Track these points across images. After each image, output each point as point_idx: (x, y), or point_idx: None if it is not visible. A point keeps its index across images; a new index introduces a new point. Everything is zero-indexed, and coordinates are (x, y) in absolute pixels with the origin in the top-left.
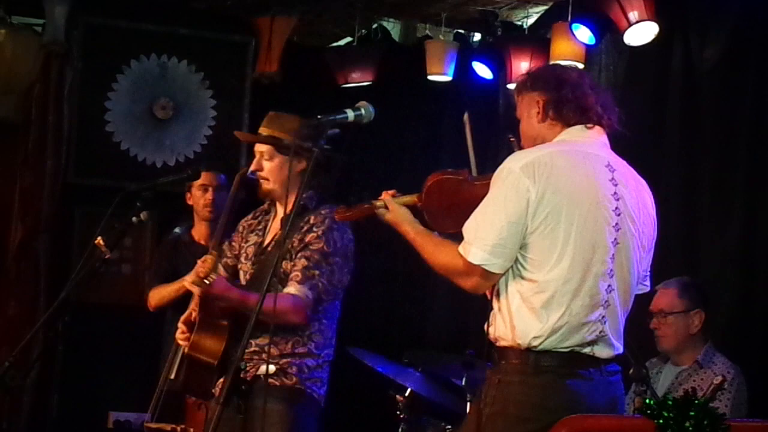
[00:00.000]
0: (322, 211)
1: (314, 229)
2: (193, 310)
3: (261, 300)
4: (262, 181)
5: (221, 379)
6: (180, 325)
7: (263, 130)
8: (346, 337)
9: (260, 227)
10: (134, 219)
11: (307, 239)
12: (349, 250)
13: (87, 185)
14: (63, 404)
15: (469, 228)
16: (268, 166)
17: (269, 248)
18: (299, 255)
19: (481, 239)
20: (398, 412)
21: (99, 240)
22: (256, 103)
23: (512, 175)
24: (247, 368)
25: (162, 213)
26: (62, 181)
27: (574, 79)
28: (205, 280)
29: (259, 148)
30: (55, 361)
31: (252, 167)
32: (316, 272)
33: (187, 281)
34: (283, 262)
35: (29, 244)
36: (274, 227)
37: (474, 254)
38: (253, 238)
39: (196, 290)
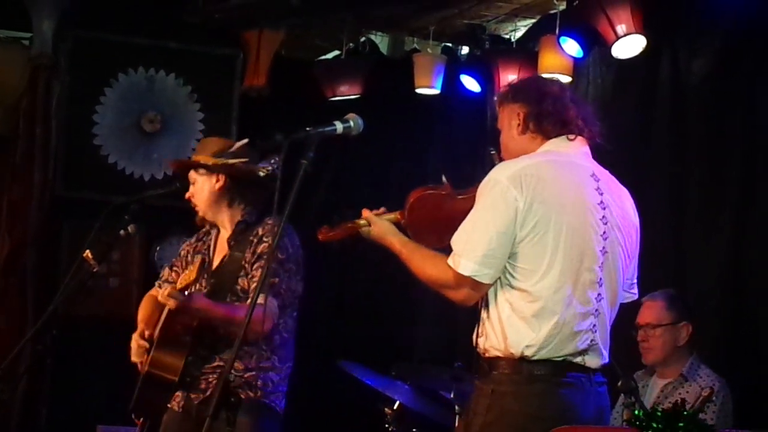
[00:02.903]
0: (269, 221)
1: (264, 239)
2: (143, 327)
3: (250, 311)
4: (196, 209)
5: (177, 393)
6: (139, 340)
7: (193, 158)
8: (334, 351)
9: (204, 248)
10: (122, 232)
11: (259, 250)
12: (299, 257)
13: (75, 198)
14: (52, 417)
15: (457, 240)
16: (193, 191)
17: (221, 266)
18: (255, 267)
19: (471, 250)
20: (387, 425)
21: (87, 253)
22: (244, 116)
23: (499, 185)
24: (210, 380)
25: (150, 226)
26: (50, 195)
27: (555, 92)
28: (185, 292)
29: (190, 177)
30: (44, 374)
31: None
32: (276, 280)
33: (162, 294)
34: (239, 279)
35: (17, 258)
36: (221, 247)
37: (464, 266)
38: (198, 259)
39: (171, 303)
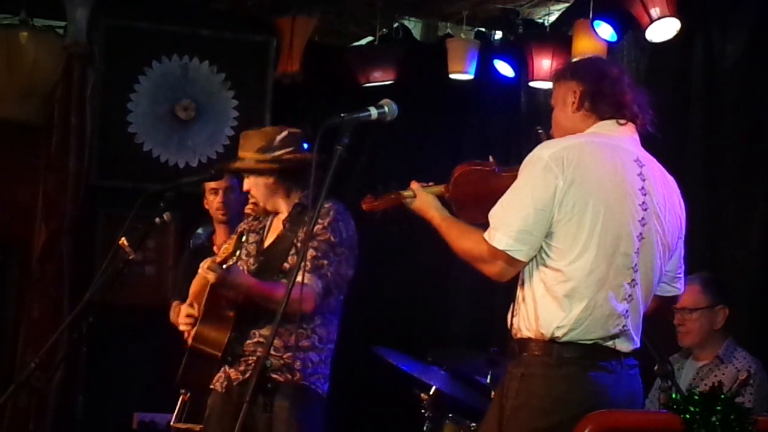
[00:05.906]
0: (326, 205)
1: (319, 221)
2: (192, 300)
3: (290, 288)
4: (254, 200)
5: (220, 374)
6: (187, 310)
7: (240, 155)
8: (370, 336)
9: (260, 227)
10: (157, 220)
11: (313, 231)
12: (354, 242)
13: (110, 187)
14: (88, 405)
15: (495, 214)
16: (248, 184)
17: (273, 245)
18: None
19: (507, 225)
20: (423, 411)
21: (122, 241)
22: (277, 103)
23: (541, 162)
24: (250, 361)
25: (185, 214)
26: (85, 183)
27: (615, 74)
28: (223, 266)
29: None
30: (80, 362)
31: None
32: (324, 262)
33: (203, 267)
34: (290, 257)
35: (53, 246)
36: (275, 227)
37: (499, 240)
38: (253, 237)
39: (211, 276)
